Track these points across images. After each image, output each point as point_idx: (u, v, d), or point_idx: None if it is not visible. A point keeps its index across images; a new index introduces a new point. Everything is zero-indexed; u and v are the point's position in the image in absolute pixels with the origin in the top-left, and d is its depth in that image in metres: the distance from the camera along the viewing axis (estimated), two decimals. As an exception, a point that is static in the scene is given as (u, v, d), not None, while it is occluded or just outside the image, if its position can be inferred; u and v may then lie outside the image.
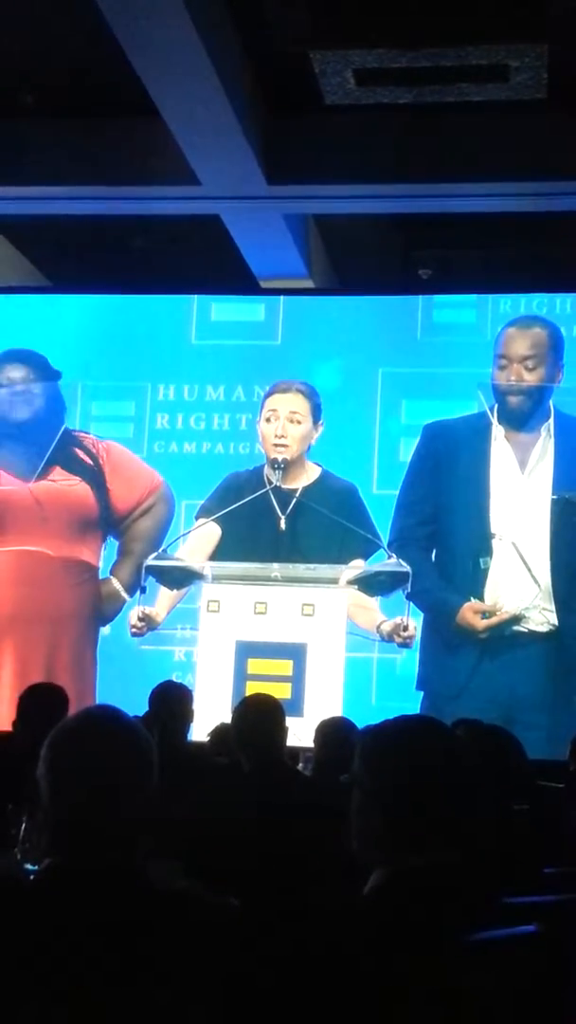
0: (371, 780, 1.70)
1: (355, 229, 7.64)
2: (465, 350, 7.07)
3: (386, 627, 6.66)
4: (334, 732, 4.13)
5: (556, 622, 6.65)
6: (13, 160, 6.59)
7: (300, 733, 4.93)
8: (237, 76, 5.77)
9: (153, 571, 6.82)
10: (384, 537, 6.83)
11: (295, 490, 6.92)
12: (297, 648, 6.50)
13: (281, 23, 5.53)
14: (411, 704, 6.60)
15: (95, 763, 1.59)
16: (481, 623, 6.66)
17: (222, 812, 3.14)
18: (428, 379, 7.10)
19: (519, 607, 6.67)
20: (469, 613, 6.69)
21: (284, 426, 6.93)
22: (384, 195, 6.66)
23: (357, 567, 6.71)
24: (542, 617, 6.67)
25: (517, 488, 6.81)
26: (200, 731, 5.13)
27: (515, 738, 2.85)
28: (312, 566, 6.66)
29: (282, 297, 7.46)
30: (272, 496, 6.89)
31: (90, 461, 7.26)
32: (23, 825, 2.91)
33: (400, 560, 6.59)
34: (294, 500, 6.89)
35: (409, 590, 6.53)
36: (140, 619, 6.86)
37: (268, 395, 7.06)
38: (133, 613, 6.91)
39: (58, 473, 7.25)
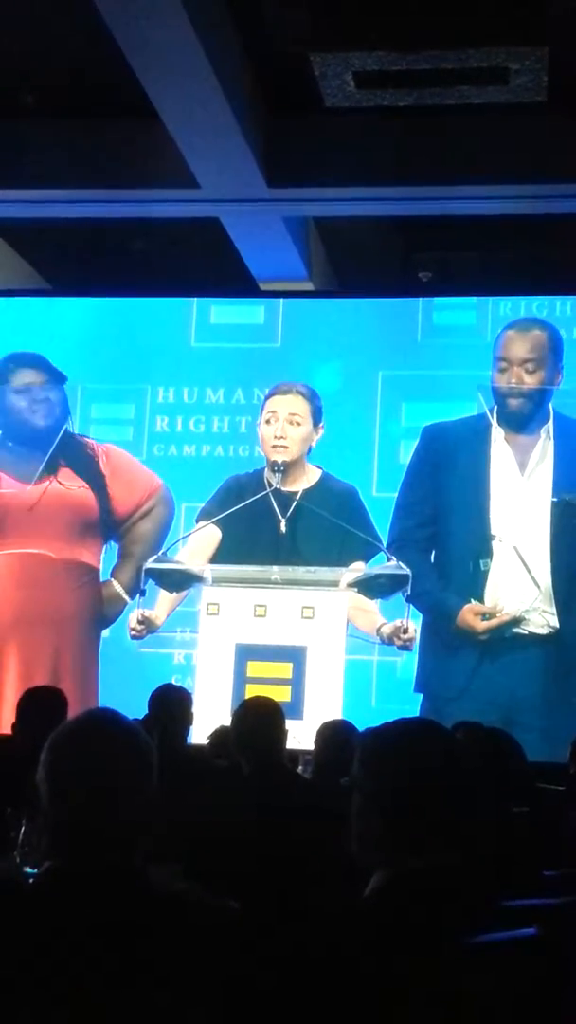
0: (371, 783, 1.70)
1: (355, 231, 7.64)
2: (465, 352, 7.07)
3: (386, 630, 6.65)
4: (334, 735, 4.13)
5: (556, 624, 6.65)
6: (12, 162, 6.58)
7: (300, 736, 4.92)
8: (237, 78, 5.77)
9: (152, 574, 6.82)
10: (384, 539, 6.83)
11: (295, 493, 6.92)
12: (297, 651, 6.50)
13: (281, 25, 5.53)
14: (411, 707, 6.59)
15: (95, 766, 1.58)
16: (481, 625, 6.66)
17: (222, 815, 3.14)
18: (428, 381, 7.11)
19: (519, 609, 6.67)
20: (469, 615, 6.69)
21: (283, 427, 6.94)
22: (384, 197, 6.66)
23: (357, 570, 6.71)
24: (542, 619, 6.67)
25: (517, 490, 6.81)
26: (200, 734, 5.12)
27: (515, 740, 2.85)
28: (312, 569, 6.66)
29: (282, 300, 7.46)
30: (272, 499, 6.89)
31: (90, 464, 7.26)
32: (23, 828, 2.91)
33: (400, 562, 6.59)
34: (294, 503, 6.89)
35: (409, 592, 6.53)
36: (139, 622, 6.85)
37: (268, 397, 7.06)
38: (132, 616, 6.91)
39: (58, 476, 7.26)
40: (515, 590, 6.70)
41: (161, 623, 6.90)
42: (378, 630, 6.68)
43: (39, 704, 4.14)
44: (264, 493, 6.90)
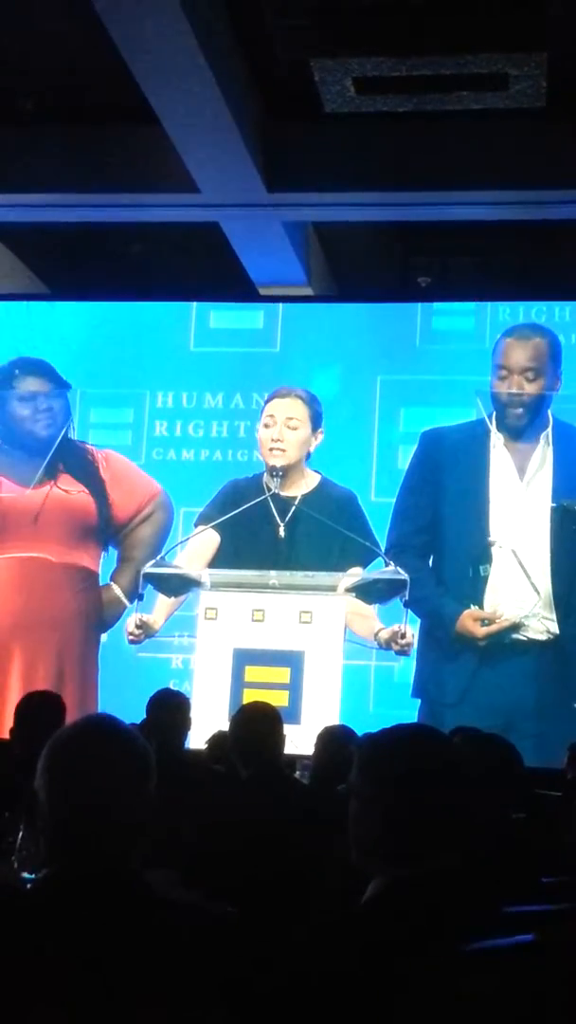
0: (369, 788, 1.70)
1: (354, 236, 7.65)
2: (464, 358, 7.07)
3: (384, 635, 6.65)
4: (333, 740, 4.13)
5: (556, 630, 6.65)
6: (13, 166, 6.59)
7: (298, 741, 4.92)
8: (237, 83, 5.78)
9: (151, 578, 6.82)
10: (382, 544, 6.83)
11: (294, 498, 6.92)
12: (295, 655, 6.50)
13: (281, 31, 5.54)
14: (409, 711, 6.59)
15: (92, 771, 1.58)
16: (481, 630, 6.66)
17: (219, 820, 3.14)
18: (427, 386, 7.11)
19: (519, 615, 6.67)
20: (469, 620, 6.69)
21: (281, 431, 6.94)
22: (383, 203, 6.66)
23: (355, 575, 6.71)
24: (541, 625, 6.67)
25: (516, 496, 6.82)
26: (197, 739, 5.12)
27: (513, 746, 2.84)
28: (310, 574, 6.66)
29: (281, 304, 7.47)
30: (271, 503, 6.89)
31: (90, 469, 7.27)
32: (20, 833, 2.91)
33: (398, 568, 6.59)
34: (293, 507, 6.89)
35: (407, 597, 6.53)
36: (137, 626, 6.85)
37: (268, 401, 7.07)
38: (130, 620, 6.91)
39: (58, 480, 7.26)
40: (514, 596, 6.70)
41: (159, 627, 6.90)
42: (376, 635, 6.68)
43: (37, 709, 4.13)
44: (263, 498, 6.90)
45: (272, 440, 6.94)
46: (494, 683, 6.64)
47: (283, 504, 6.90)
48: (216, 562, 6.93)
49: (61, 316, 7.63)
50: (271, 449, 6.93)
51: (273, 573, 6.68)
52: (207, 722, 5.49)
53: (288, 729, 3.68)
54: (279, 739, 3.50)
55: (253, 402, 7.23)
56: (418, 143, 6.27)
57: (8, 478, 7.32)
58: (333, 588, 6.61)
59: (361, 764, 1.73)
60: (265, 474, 6.99)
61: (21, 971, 1.49)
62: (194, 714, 4.38)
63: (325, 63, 5.66)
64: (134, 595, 6.93)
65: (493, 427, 6.87)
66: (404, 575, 6.53)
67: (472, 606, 6.71)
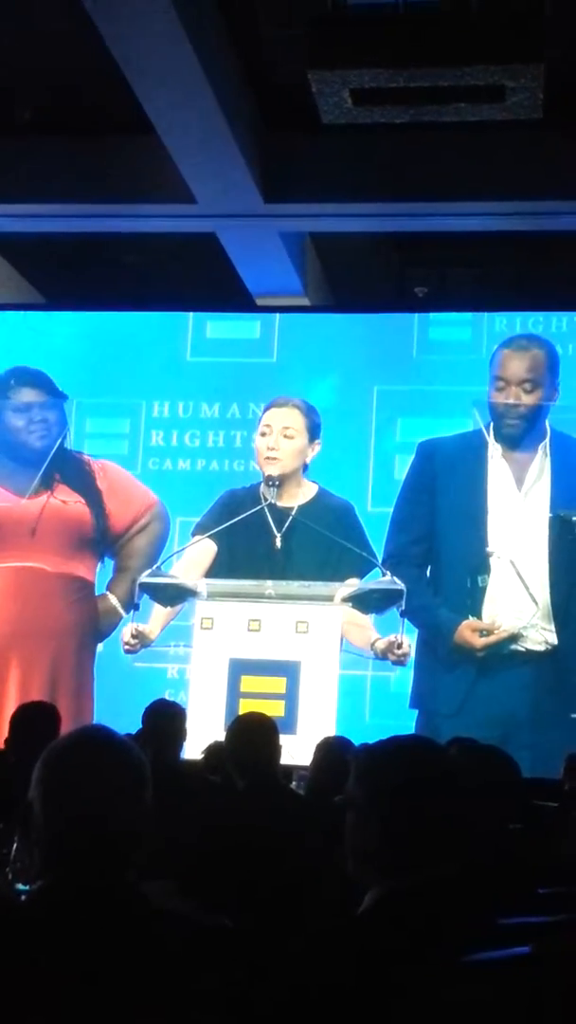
0: (365, 799, 1.70)
1: (351, 247, 7.67)
2: (460, 368, 7.09)
3: (380, 645, 6.64)
4: (330, 751, 4.11)
5: (555, 641, 6.64)
6: (10, 176, 6.60)
7: (294, 751, 4.91)
8: (233, 94, 5.80)
9: (147, 588, 6.81)
10: (379, 555, 6.83)
11: (291, 508, 6.92)
12: (291, 666, 6.49)
13: (278, 42, 5.55)
14: (405, 722, 6.58)
15: (87, 782, 1.58)
16: (479, 641, 6.66)
17: (215, 831, 3.13)
18: (423, 397, 7.12)
19: (517, 625, 6.66)
20: (467, 631, 6.68)
21: (277, 440, 6.95)
22: (380, 213, 6.68)
23: (352, 585, 6.70)
24: (540, 636, 6.66)
25: (514, 507, 6.82)
26: (193, 749, 5.11)
27: (510, 757, 2.84)
28: (306, 583, 6.66)
29: (278, 315, 7.48)
30: (268, 513, 6.89)
31: (86, 479, 7.28)
32: (15, 845, 2.89)
33: (394, 578, 6.58)
34: (290, 518, 6.89)
35: (403, 607, 6.52)
36: (133, 636, 6.84)
37: (265, 410, 7.08)
38: (126, 630, 6.90)
39: (54, 490, 7.26)
40: (513, 606, 6.70)
41: (155, 637, 6.89)
42: (372, 645, 6.68)
43: (32, 719, 4.13)
44: (259, 508, 6.90)
45: (268, 449, 6.95)
46: (492, 694, 6.63)
47: (280, 514, 6.90)
48: (212, 572, 6.92)
49: (58, 326, 7.64)
50: (267, 458, 6.93)
51: (269, 583, 6.67)
52: (203, 732, 5.48)
53: (284, 739, 3.67)
54: (275, 750, 3.50)
55: (249, 412, 7.23)
56: (415, 154, 6.29)
57: (4, 488, 7.32)
58: (329, 598, 6.60)
59: (358, 775, 1.73)
60: (262, 484, 6.99)
61: (16, 984, 1.48)
62: (190, 724, 4.38)
63: (322, 74, 5.66)
64: (130, 605, 6.93)
65: (491, 438, 6.88)
66: (400, 585, 6.53)
67: (470, 617, 6.71)
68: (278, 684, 6.47)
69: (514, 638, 6.65)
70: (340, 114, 6.03)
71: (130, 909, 1.55)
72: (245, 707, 5.94)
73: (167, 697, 5.37)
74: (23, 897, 2.03)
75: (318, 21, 5.33)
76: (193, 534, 7.04)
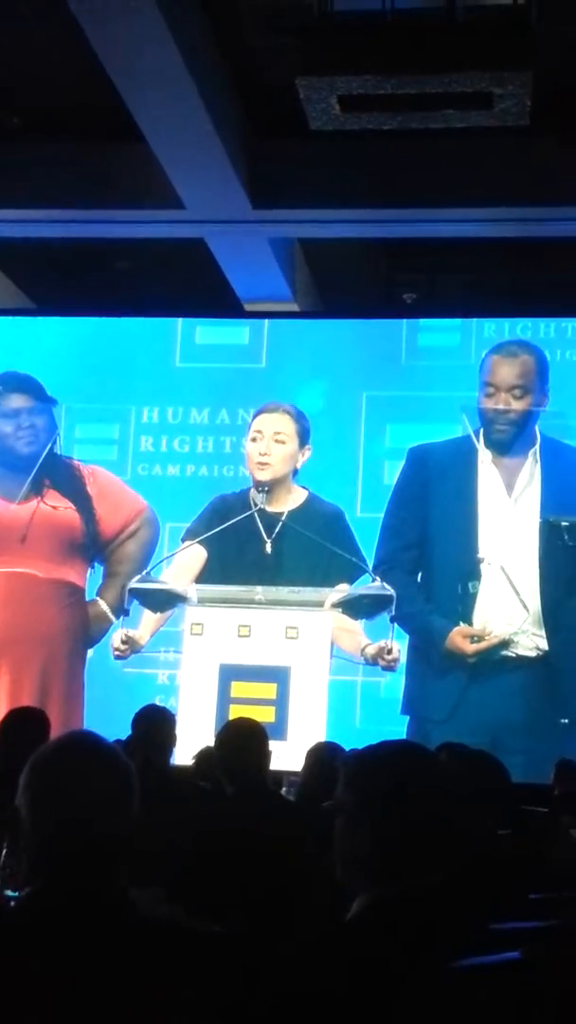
0: (354, 805, 1.70)
1: (340, 253, 7.68)
2: (449, 374, 7.09)
3: (370, 650, 6.65)
4: (321, 756, 4.11)
5: (545, 647, 6.65)
6: (-1, 182, 6.60)
7: (284, 757, 4.91)
8: (222, 101, 5.81)
9: (136, 594, 6.81)
10: (369, 561, 6.83)
11: (281, 513, 6.92)
12: (281, 671, 6.49)
13: (267, 49, 5.56)
14: (395, 727, 6.58)
15: (74, 788, 1.58)
16: (471, 647, 6.66)
17: (204, 837, 3.12)
18: (412, 403, 7.13)
19: (508, 631, 6.66)
20: (458, 637, 6.68)
21: (268, 445, 6.95)
22: (368, 219, 6.70)
23: (342, 590, 6.71)
24: (531, 642, 6.67)
25: (505, 512, 6.83)
26: (183, 755, 5.10)
27: (499, 762, 2.84)
28: (296, 589, 6.66)
29: (266, 320, 7.48)
30: (258, 519, 6.89)
31: (76, 485, 7.27)
32: (3, 851, 2.89)
33: (384, 583, 6.58)
34: (280, 523, 6.89)
35: (394, 613, 6.53)
36: (123, 642, 6.84)
37: (256, 416, 7.08)
38: (116, 636, 6.89)
39: (44, 496, 7.25)
40: (504, 612, 6.71)
41: (145, 643, 6.88)
42: (362, 651, 6.68)
43: (21, 725, 4.11)
44: (249, 513, 6.90)
45: (259, 455, 6.95)
46: (483, 700, 6.63)
47: (270, 520, 6.90)
48: (202, 577, 6.92)
49: (47, 331, 7.63)
50: (259, 464, 6.93)
51: (259, 589, 6.67)
52: (193, 738, 5.47)
53: (274, 745, 3.67)
54: (264, 755, 3.49)
55: (239, 418, 7.23)
56: (403, 161, 6.30)
57: (-7, 493, 7.31)
58: (319, 604, 6.60)
59: (347, 780, 1.73)
60: (252, 489, 6.99)
61: (4, 989, 1.47)
62: (180, 730, 4.37)
63: (310, 81, 5.67)
64: (120, 611, 6.92)
65: (480, 444, 6.89)
66: (390, 591, 6.53)
67: (461, 623, 6.71)
68: (268, 690, 6.47)
69: (505, 644, 6.66)
70: (328, 120, 6.04)
71: (118, 915, 1.54)
72: (235, 712, 5.93)
73: (157, 703, 5.36)
74: (12, 903, 2.02)
75: (306, 28, 5.34)
76: (183, 539, 7.04)
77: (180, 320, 7.48)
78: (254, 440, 7.01)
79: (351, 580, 6.80)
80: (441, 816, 1.68)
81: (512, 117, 5.86)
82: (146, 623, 6.89)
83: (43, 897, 1.55)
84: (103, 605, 7.12)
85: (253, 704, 6.27)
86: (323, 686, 6.53)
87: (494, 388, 6.86)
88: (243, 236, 6.85)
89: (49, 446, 7.33)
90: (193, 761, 4.92)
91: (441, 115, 5.88)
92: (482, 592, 6.72)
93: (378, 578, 6.65)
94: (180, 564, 7.00)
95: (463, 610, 6.72)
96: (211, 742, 4.22)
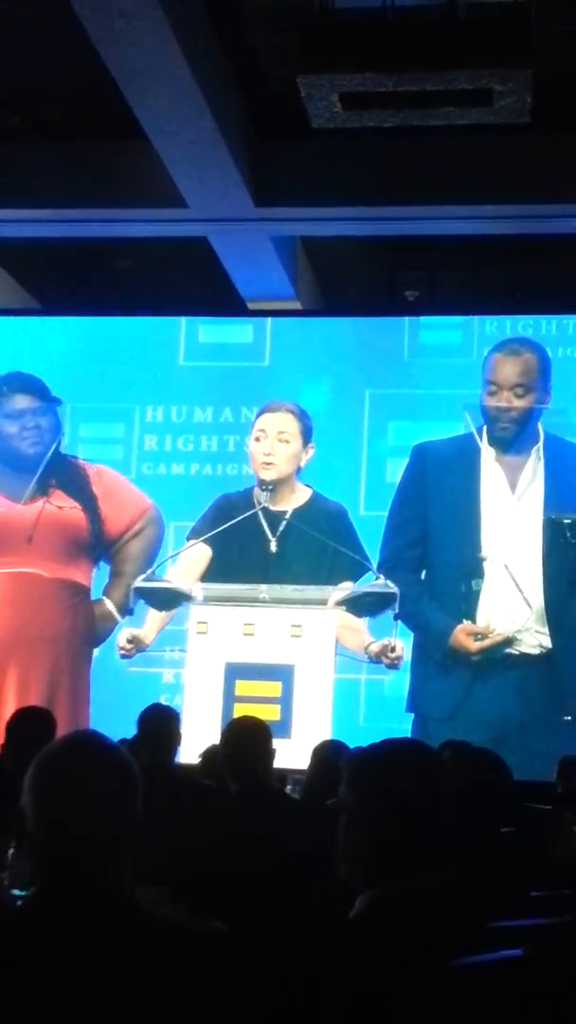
0: (356, 803, 1.70)
1: (342, 251, 7.68)
2: (451, 371, 7.09)
3: (374, 648, 6.65)
4: (326, 755, 4.12)
5: (549, 644, 6.64)
6: (2, 182, 6.61)
7: (288, 754, 4.92)
8: (224, 99, 5.81)
9: (142, 593, 6.82)
10: (373, 558, 6.84)
11: (285, 512, 6.93)
12: (286, 669, 6.50)
13: (268, 47, 5.57)
14: (399, 725, 6.59)
15: (77, 787, 1.59)
16: (474, 645, 6.66)
17: (209, 836, 3.13)
18: (415, 400, 7.13)
19: (511, 629, 6.67)
20: (462, 635, 6.68)
21: (272, 445, 6.96)
22: (371, 217, 6.69)
23: (345, 588, 6.71)
24: (535, 639, 6.67)
25: (508, 510, 6.83)
26: (188, 753, 5.11)
27: (502, 760, 2.85)
28: (300, 587, 6.67)
29: (269, 318, 7.48)
30: (262, 517, 6.90)
31: (82, 484, 7.27)
32: (11, 850, 2.90)
33: (388, 581, 6.59)
34: (284, 522, 6.90)
35: (397, 611, 6.53)
36: (129, 641, 6.85)
37: (258, 415, 7.09)
38: (122, 635, 6.90)
39: (50, 496, 7.26)
40: (507, 610, 6.71)
41: (150, 642, 6.90)
42: (366, 648, 6.68)
43: (28, 724, 4.14)
44: (253, 512, 6.90)
45: (264, 454, 6.96)
46: (486, 698, 6.63)
47: (274, 518, 6.91)
48: (208, 576, 6.93)
49: (51, 331, 7.64)
50: (263, 463, 6.94)
51: (263, 587, 6.68)
52: (198, 736, 5.49)
53: (279, 743, 3.68)
54: (267, 753, 3.50)
55: (242, 416, 7.24)
56: (405, 158, 6.31)
57: (0, 494, 7.32)
58: (323, 602, 6.61)
59: (350, 779, 1.73)
60: (256, 488, 7.00)
61: (10, 989, 1.49)
62: (185, 728, 4.39)
63: (311, 79, 5.67)
64: (125, 610, 6.94)
65: (483, 441, 6.89)
66: (393, 588, 6.53)
67: (465, 621, 6.71)
68: (273, 688, 6.48)
69: (508, 642, 6.66)
70: (329, 118, 6.04)
71: (121, 914, 1.55)
72: (239, 711, 5.95)
73: (162, 701, 5.38)
74: (19, 903, 2.03)
75: (307, 26, 5.34)
76: (188, 538, 7.05)
77: (183, 319, 7.49)
78: (257, 440, 7.02)
79: (355, 578, 6.80)
80: (443, 815, 1.69)
81: (513, 114, 5.85)
82: (151, 622, 6.91)
83: (47, 896, 1.56)
84: (109, 604, 7.14)
85: (259, 702, 6.29)
86: (328, 684, 6.54)
87: (496, 386, 6.86)
88: (246, 234, 6.85)
89: (54, 446, 7.34)
90: (199, 759, 4.94)
91: (442, 112, 5.88)
92: (485, 590, 6.73)
93: (382, 576, 6.66)
94: (185, 563, 7.01)
95: (466, 608, 6.73)
96: (217, 740, 4.23)
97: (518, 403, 6.84)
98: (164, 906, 2.08)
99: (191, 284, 7.67)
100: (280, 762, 3.72)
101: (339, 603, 6.62)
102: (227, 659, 6.58)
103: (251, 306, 7.71)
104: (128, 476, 7.34)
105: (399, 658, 6.63)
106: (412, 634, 6.77)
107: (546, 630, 6.66)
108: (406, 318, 7.34)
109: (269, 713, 6.02)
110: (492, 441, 6.88)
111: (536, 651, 6.66)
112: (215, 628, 6.62)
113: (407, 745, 1.85)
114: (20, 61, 5.91)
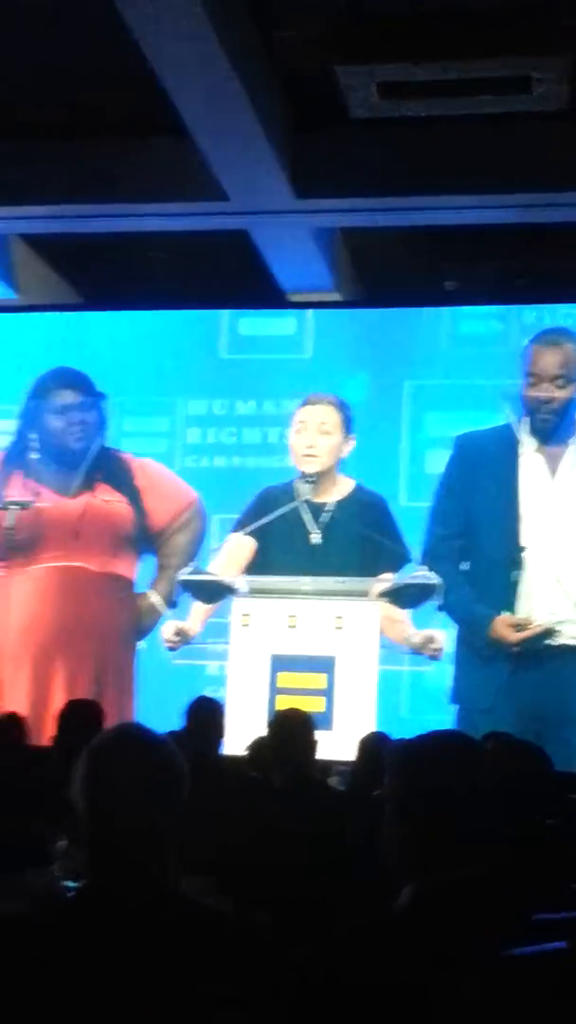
0: (400, 795, 1.71)
1: (382, 241, 7.66)
2: (491, 361, 7.06)
3: (416, 639, 6.65)
4: (372, 746, 4.14)
5: (589, 635, 6.61)
6: (45, 178, 6.66)
7: (331, 746, 4.94)
8: (263, 92, 5.81)
9: (187, 585, 6.86)
10: (415, 549, 6.83)
11: (327, 504, 6.94)
12: (329, 661, 6.51)
13: (306, 39, 5.57)
14: (441, 716, 6.58)
15: (123, 780, 1.61)
16: (515, 636, 6.64)
17: (254, 827, 3.16)
18: (454, 391, 7.11)
19: (552, 620, 6.64)
20: (502, 626, 6.66)
21: (313, 437, 6.97)
22: (410, 207, 6.66)
23: (387, 579, 6.71)
24: (574, 630, 6.64)
25: (548, 500, 6.80)
26: (231, 745, 5.14)
27: (544, 752, 2.85)
28: (342, 579, 6.68)
29: (310, 311, 7.48)
30: (304, 510, 6.92)
31: (126, 478, 7.32)
32: (63, 841, 2.95)
33: (429, 572, 6.58)
34: (327, 514, 6.91)
35: (440, 602, 6.52)
36: (176, 633, 6.90)
37: (300, 407, 7.09)
38: (168, 627, 6.95)
39: (95, 490, 7.31)
40: (547, 601, 6.68)
41: (195, 634, 6.94)
42: (408, 640, 6.68)
43: (77, 717, 4.20)
44: (295, 504, 6.92)
45: (305, 447, 6.97)
46: (527, 688, 6.61)
47: (316, 510, 6.92)
48: (252, 569, 6.96)
49: (94, 326, 7.69)
50: (304, 455, 6.95)
51: (306, 579, 6.70)
52: (242, 728, 5.52)
53: (323, 735, 3.70)
54: (309, 745, 3.52)
55: (284, 408, 7.25)
56: (443, 147, 6.28)
57: (47, 489, 7.38)
58: (365, 593, 6.61)
59: (393, 770, 1.74)
60: (297, 480, 7.01)
61: (63, 980, 1.52)
62: (228, 720, 4.42)
63: (350, 70, 5.69)
64: (170, 602, 6.99)
65: (523, 432, 6.86)
66: (435, 579, 6.53)
67: (504, 612, 6.69)
68: (319, 680, 6.50)
69: (549, 633, 6.63)
70: (368, 108, 6.05)
71: (166, 907, 1.58)
72: (281, 703, 5.98)
73: (207, 694, 5.41)
74: (70, 894, 2.07)
75: (344, 17, 5.35)
76: (232, 532, 7.08)
77: (225, 312, 7.51)
78: (299, 432, 7.03)
79: (396, 569, 6.80)
80: (486, 806, 1.70)
81: (551, 102, 5.84)
82: (195, 614, 6.95)
83: (96, 889, 1.59)
84: (154, 597, 7.18)
85: (302, 695, 6.31)
86: (372, 676, 6.54)
87: (536, 377, 6.82)
88: (286, 227, 6.85)
89: (99, 440, 7.40)
90: (247, 752, 4.97)
91: (480, 100, 5.87)
92: (525, 581, 6.70)
93: (423, 567, 6.65)
94: (228, 556, 7.04)
95: (507, 599, 6.70)
96: (261, 732, 4.26)
97: (559, 394, 6.80)
98: (209, 897, 2.11)
99: (232, 277, 7.68)
100: (323, 754, 3.74)
101: (381, 594, 6.63)
102: (271, 651, 6.61)
103: (291, 298, 7.72)
104: (172, 469, 7.38)
105: (440, 650, 6.62)
106: (454, 625, 6.76)
107: (586, 621, 6.62)
108: (445, 308, 7.32)
109: (315, 705, 6.05)
110: (532, 432, 6.85)
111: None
112: (258, 620, 6.64)
113: (450, 737, 1.85)
114: (63, 57, 5.94)
